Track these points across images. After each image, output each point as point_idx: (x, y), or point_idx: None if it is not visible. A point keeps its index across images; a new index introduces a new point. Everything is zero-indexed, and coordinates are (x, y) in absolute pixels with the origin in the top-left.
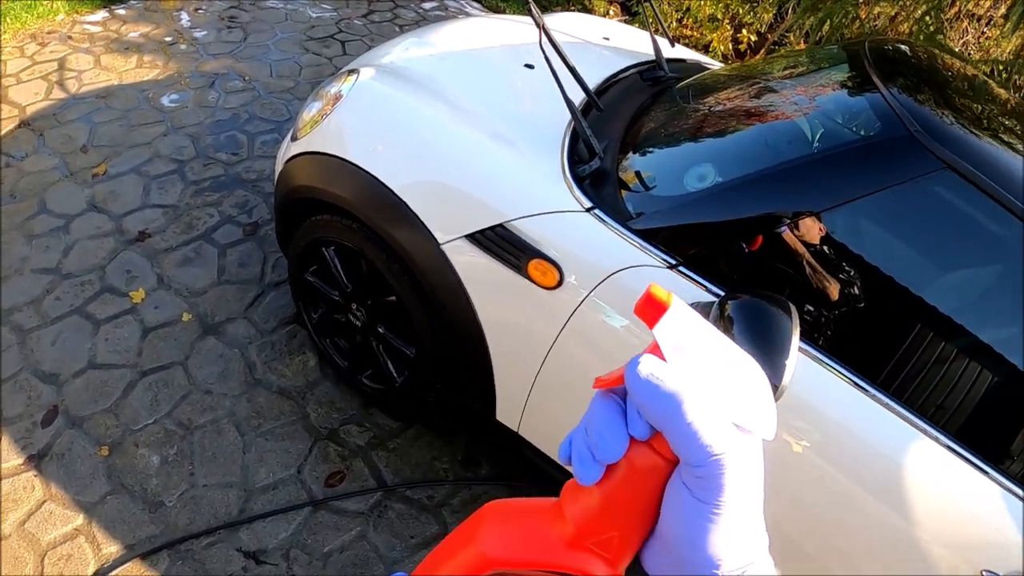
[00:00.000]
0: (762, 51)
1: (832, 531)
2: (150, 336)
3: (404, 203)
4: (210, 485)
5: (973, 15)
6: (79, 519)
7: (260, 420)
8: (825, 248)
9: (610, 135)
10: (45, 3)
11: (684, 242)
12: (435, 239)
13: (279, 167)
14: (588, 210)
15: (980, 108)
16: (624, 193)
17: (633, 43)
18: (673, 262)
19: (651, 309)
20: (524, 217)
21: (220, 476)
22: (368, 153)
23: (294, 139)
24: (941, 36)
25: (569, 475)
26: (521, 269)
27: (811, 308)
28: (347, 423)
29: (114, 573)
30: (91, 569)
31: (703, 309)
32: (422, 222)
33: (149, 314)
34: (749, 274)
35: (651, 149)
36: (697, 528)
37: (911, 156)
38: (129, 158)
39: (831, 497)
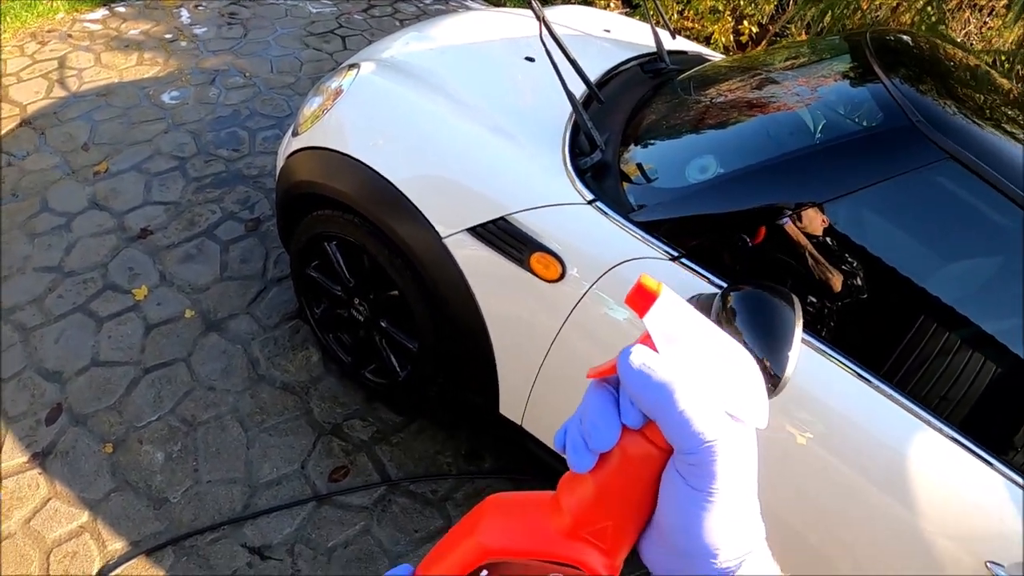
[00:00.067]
0: (763, 42)
1: (836, 522)
2: (153, 333)
3: (405, 197)
4: (214, 481)
5: (975, 5)
6: (84, 516)
7: (264, 416)
8: (828, 239)
9: (611, 127)
10: (45, 2)
11: (686, 234)
12: (437, 233)
13: (280, 163)
14: (590, 202)
15: (982, 98)
16: (626, 185)
17: (634, 35)
18: (675, 254)
19: (641, 299)
20: (526, 210)
21: (224, 472)
22: (369, 147)
23: (295, 134)
24: (943, 26)
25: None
26: (523, 262)
27: (814, 299)
28: (351, 418)
29: (119, 570)
30: (96, 566)
31: (706, 301)
32: (424, 216)
33: (152, 311)
34: (751, 265)
35: (653, 141)
36: (691, 516)
37: (913, 146)
38: (130, 155)
39: (835, 488)
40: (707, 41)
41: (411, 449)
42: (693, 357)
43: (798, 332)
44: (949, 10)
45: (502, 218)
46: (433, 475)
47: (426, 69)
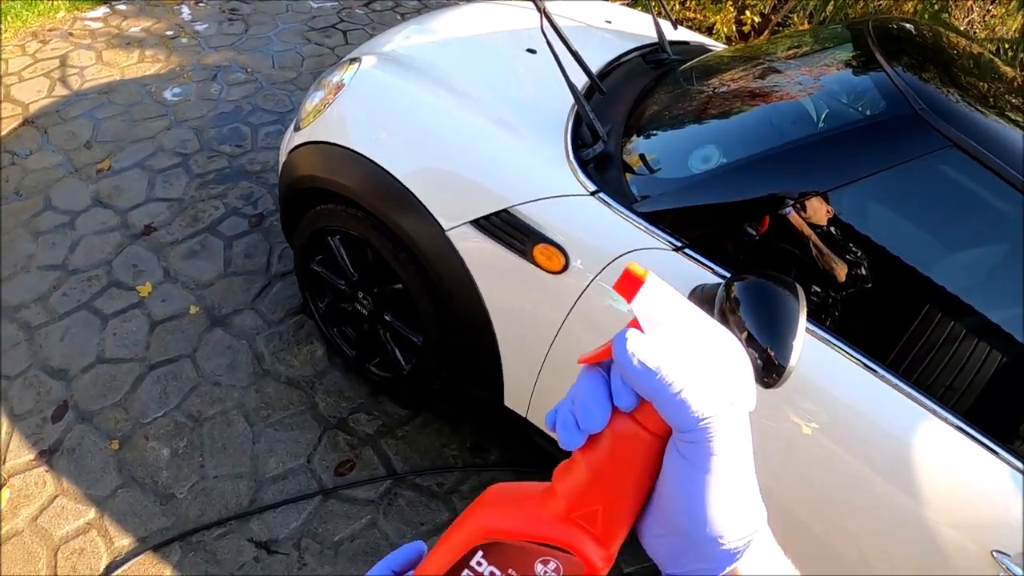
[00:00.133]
0: (766, 32)
1: (841, 512)
2: (158, 329)
3: (408, 190)
4: (220, 476)
5: None
6: (91, 513)
7: (269, 410)
8: (831, 228)
9: (613, 118)
10: (46, 1)
11: (690, 224)
12: (440, 226)
13: (283, 157)
14: (593, 194)
15: (986, 86)
16: (628, 176)
17: (635, 26)
18: (679, 244)
19: (629, 285)
20: (528, 202)
21: (230, 467)
22: (371, 141)
23: (297, 129)
24: (946, 15)
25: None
26: (526, 254)
27: (818, 289)
28: (356, 412)
29: (126, 566)
30: (104, 562)
31: (709, 291)
32: (426, 209)
33: (156, 307)
34: (755, 255)
35: (655, 132)
36: (694, 494)
37: (916, 134)
38: (133, 153)
39: (840, 478)
40: (709, 31)
41: (416, 442)
42: (681, 340)
43: (802, 321)
44: None
45: (505, 210)
46: (439, 468)
47: (427, 62)
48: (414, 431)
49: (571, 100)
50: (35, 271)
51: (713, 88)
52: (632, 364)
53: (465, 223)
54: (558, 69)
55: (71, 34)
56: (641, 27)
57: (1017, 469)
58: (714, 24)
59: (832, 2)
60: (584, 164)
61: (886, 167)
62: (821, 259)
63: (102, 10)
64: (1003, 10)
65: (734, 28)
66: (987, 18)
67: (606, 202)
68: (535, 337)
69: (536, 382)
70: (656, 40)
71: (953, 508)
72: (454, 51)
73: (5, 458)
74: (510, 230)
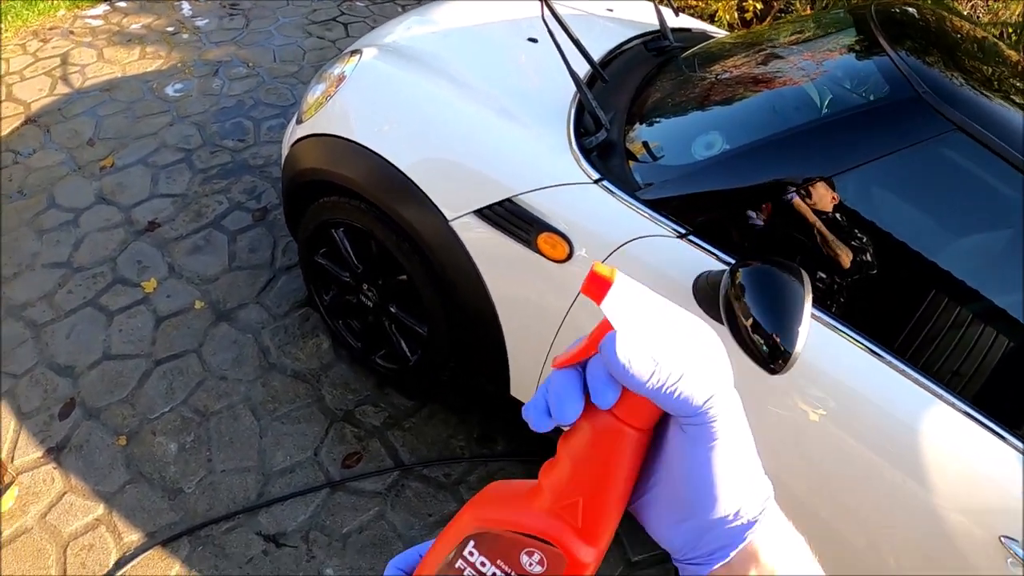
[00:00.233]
0: (768, 18)
1: (848, 498)
2: (163, 325)
3: (411, 181)
4: (228, 470)
5: None
6: (99, 509)
7: (276, 404)
8: (836, 214)
9: (616, 106)
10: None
11: (693, 211)
12: (443, 216)
13: (285, 151)
14: (596, 182)
15: (990, 70)
16: (632, 164)
17: (637, 14)
18: (683, 231)
19: (596, 287)
20: (532, 191)
21: (237, 461)
22: (373, 133)
23: (299, 122)
24: None
25: None
26: (530, 243)
27: (823, 274)
28: (362, 404)
29: (135, 561)
30: (113, 558)
31: (714, 278)
32: (430, 199)
33: (162, 303)
34: (760, 241)
35: (658, 119)
36: (706, 473)
37: (920, 118)
38: (136, 149)
39: (847, 464)
40: (711, 18)
41: (423, 434)
42: (659, 333)
43: (807, 307)
44: None
45: (508, 199)
46: (446, 459)
47: (429, 53)
48: (421, 422)
49: (573, 88)
50: (40, 269)
51: (716, 75)
52: (629, 372)
53: (468, 213)
54: (560, 58)
55: (72, 32)
56: (643, 15)
57: None
58: (716, 11)
59: None
60: (587, 152)
61: (890, 152)
62: (826, 245)
63: (102, 7)
64: None
65: (736, 15)
66: (990, 2)
67: (609, 190)
68: (540, 326)
69: (542, 371)
70: (658, 27)
71: (960, 494)
72: (455, 41)
73: (13, 456)
74: (514, 219)
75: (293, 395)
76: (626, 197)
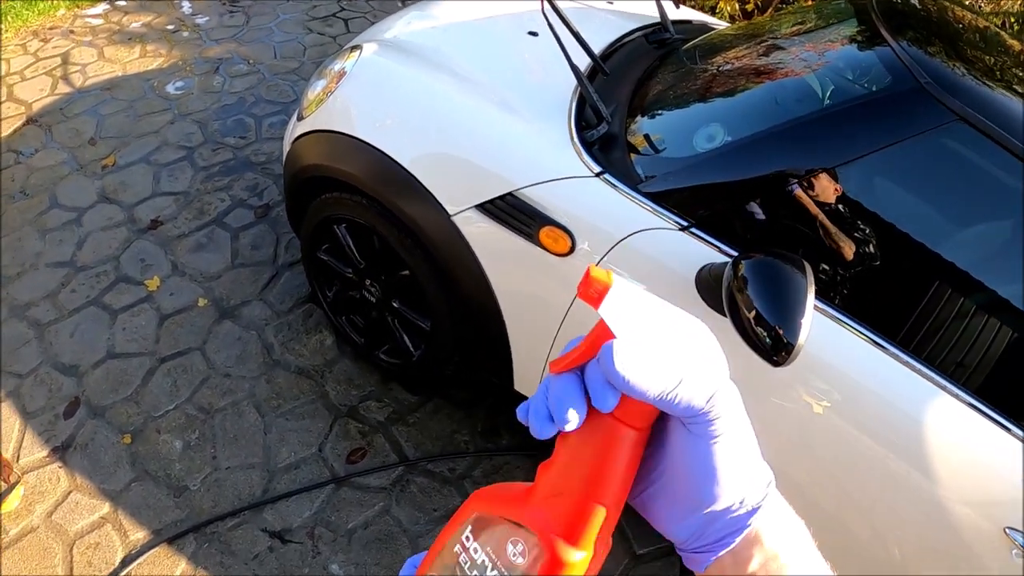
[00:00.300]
0: (769, 10)
1: (853, 490)
2: (167, 323)
3: (412, 176)
4: (233, 467)
5: None
6: (105, 507)
7: (280, 400)
8: (838, 205)
9: (617, 99)
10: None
11: (696, 203)
12: (445, 211)
13: (286, 147)
14: (597, 175)
15: (992, 59)
16: (633, 157)
17: (638, 6)
18: (685, 224)
19: (593, 291)
20: (533, 185)
21: (242, 458)
22: (374, 128)
23: (300, 118)
24: None
25: None
26: (532, 237)
27: (826, 266)
28: (366, 399)
29: (142, 559)
30: (119, 556)
31: (717, 270)
32: (431, 194)
33: (165, 301)
34: (762, 233)
35: (659, 111)
36: (710, 467)
37: (922, 108)
38: (137, 148)
39: (852, 456)
40: (712, 11)
41: (428, 428)
42: (658, 335)
43: (810, 299)
44: None
45: (510, 193)
46: (450, 454)
47: (429, 47)
48: (425, 417)
49: (574, 82)
50: (43, 269)
51: (717, 67)
52: (628, 384)
53: (470, 207)
54: (560, 51)
55: (72, 32)
56: (643, 7)
57: None
58: (717, 3)
59: None
60: (588, 145)
61: (892, 142)
62: (829, 236)
63: (102, 6)
64: None
65: (737, 6)
66: None
67: (611, 183)
68: (543, 320)
69: (545, 365)
70: (659, 20)
71: (965, 485)
72: (455, 36)
73: (19, 455)
74: (515, 213)
75: (297, 391)
76: (628, 190)
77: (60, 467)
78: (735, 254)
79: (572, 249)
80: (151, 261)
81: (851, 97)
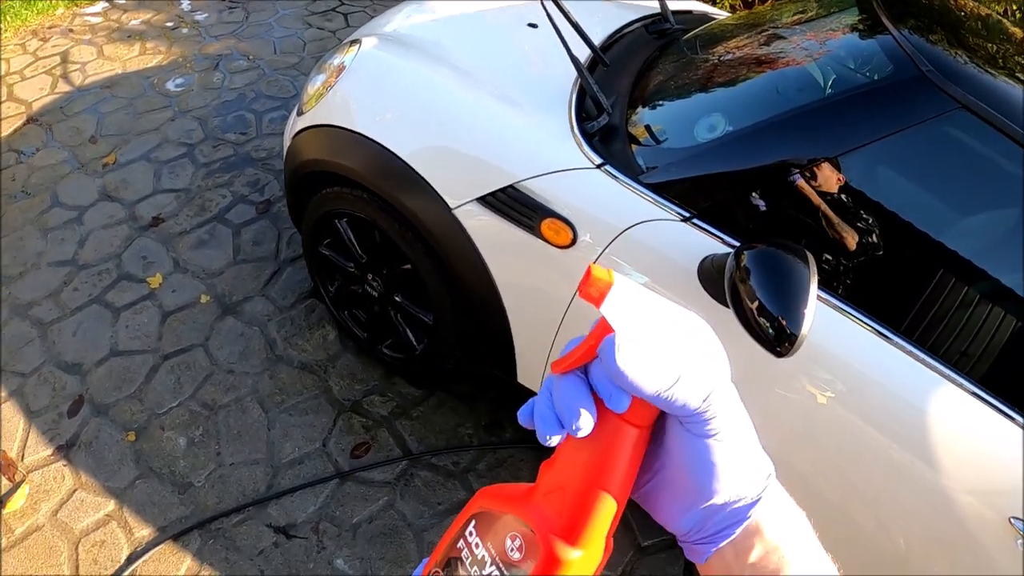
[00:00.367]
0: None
1: (857, 480)
2: (169, 320)
3: (413, 170)
4: (237, 463)
5: None
6: (110, 505)
7: (283, 396)
8: (841, 194)
9: (618, 90)
10: None
11: (697, 194)
12: (446, 204)
13: (287, 143)
14: (598, 166)
15: (994, 47)
16: (634, 148)
17: None
18: (687, 215)
19: (595, 291)
20: (534, 177)
21: (246, 454)
22: (374, 122)
23: (300, 113)
24: None
25: None
26: (534, 229)
27: (829, 256)
28: (370, 394)
29: (147, 556)
30: (124, 553)
31: (719, 261)
32: (432, 188)
33: (167, 298)
34: (765, 224)
35: (660, 102)
36: (707, 463)
37: (924, 97)
38: (138, 145)
39: (856, 447)
40: (713, 1)
41: (431, 422)
42: (658, 333)
43: (813, 289)
44: None
45: (511, 186)
46: (454, 447)
47: (428, 41)
48: (429, 411)
49: (574, 73)
50: (45, 268)
51: (718, 56)
52: (627, 379)
53: (471, 200)
54: (560, 43)
55: (71, 30)
56: None
57: None
58: None
59: None
60: (589, 137)
61: (894, 131)
62: (831, 226)
63: (101, 4)
64: None
65: None
66: None
67: (612, 174)
68: (545, 312)
69: (548, 358)
70: (659, 10)
71: (970, 475)
72: (454, 29)
73: (24, 454)
74: (517, 206)
75: (300, 387)
76: (629, 181)
77: (65, 465)
78: (737, 244)
79: (574, 241)
80: (153, 258)
81: (853, 86)
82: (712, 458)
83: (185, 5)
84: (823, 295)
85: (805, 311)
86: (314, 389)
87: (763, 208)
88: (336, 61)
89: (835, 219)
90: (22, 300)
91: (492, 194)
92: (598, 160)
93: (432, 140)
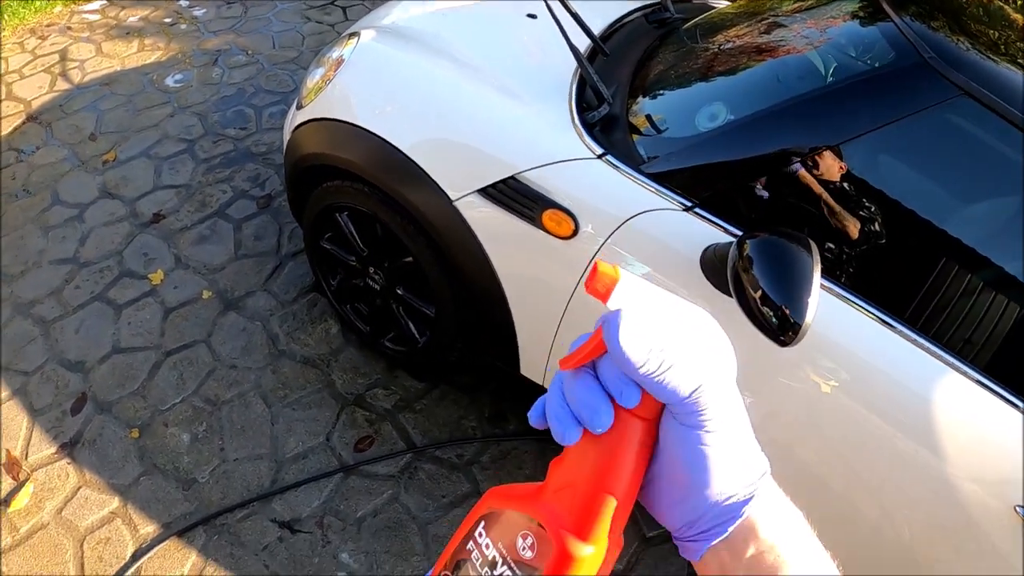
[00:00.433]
0: None
1: (862, 469)
2: (172, 316)
3: (413, 162)
4: (241, 459)
5: None
6: (115, 502)
7: (286, 391)
8: (843, 182)
9: (618, 80)
10: None
11: (699, 183)
12: (447, 196)
13: (287, 137)
14: (600, 157)
15: (995, 33)
16: (635, 137)
17: None
18: (689, 204)
19: (601, 286)
20: (535, 168)
21: (250, 449)
22: (374, 115)
23: (299, 107)
24: None
25: None
26: (535, 220)
27: (831, 244)
28: (373, 387)
29: (152, 552)
30: (129, 550)
31: (722, 250)
32: (433, 180)
33: (169, 295)
34: (767, 212)
35: (661, 91)
36: (697, 455)
37: (926, 84)
38: (138, 142)
39: (860, 435)
40: None
41: (435, 415)
42: (656, 325)
43: (816, 278)
44: None
45: (512, 177)
46: (458, 440)
47: (427, 33)
48: (432, 404)
49: (574, 64)
50: (47, 266)
51: (718, 45)
52: (624, 356)
53: (472, 192)
54: (559, 33)
55: (69, 28)
56: None
57: None
58: None
59: None
60: (590, 127)
61: (896, 118)
62: (834, 214)
63: (99, 2)
64: None
65: None
66: None
67: (613, 164)
68: (548, 304)
69: (551, 349)
70: None
71: (974, 463)
72: (453, 20)
73: (27, 453)
74: (518, 197)
75: (303, 381)
76: (630, 171)
77: (69, 463)
78: (740, 234)
79: (575, 232)
80: (154, 255)
81: (854, 73)
82: (704, 451)
83: (183, 1)
84: (826, 284)
85: (808, 300)
86: (317, 383)
87: (765, 197)
88: (335, 54)
89: (837, 207)
90: (24, 299)
91: (493, 185)
92: (599, 150)
93: (432, 132)
